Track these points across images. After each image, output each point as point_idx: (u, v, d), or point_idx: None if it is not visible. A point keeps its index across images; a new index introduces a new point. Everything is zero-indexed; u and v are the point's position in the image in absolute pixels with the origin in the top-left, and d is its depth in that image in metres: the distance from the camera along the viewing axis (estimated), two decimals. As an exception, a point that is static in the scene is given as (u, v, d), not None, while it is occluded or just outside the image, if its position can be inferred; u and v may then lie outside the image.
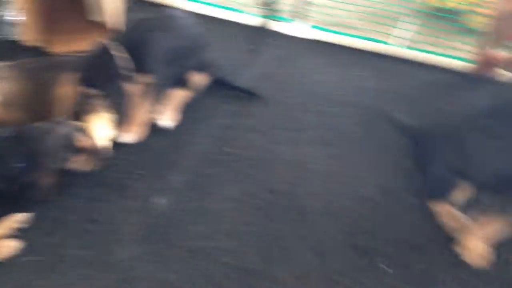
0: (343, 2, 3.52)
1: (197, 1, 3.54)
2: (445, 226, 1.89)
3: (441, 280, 1.73)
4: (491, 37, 2.84)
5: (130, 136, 2.19)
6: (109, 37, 2.12)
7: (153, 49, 2.11)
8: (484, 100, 1.77)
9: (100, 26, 2.64)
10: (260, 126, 2.40)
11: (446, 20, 3.62)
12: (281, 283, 1.67)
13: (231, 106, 2.52)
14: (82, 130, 1.90)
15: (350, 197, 2.04)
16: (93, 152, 1.92)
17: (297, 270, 1.72)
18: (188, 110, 2.40)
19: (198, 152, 2.19)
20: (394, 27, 3.44)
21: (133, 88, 2.19)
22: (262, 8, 3.32)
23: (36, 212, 1.79)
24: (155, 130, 2.26)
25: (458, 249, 1.82)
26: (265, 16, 3.32)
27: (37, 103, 2.05)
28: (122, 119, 2.15)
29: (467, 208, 1.87)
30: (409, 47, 3.23)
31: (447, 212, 1.89)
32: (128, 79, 2.10)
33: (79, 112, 2.00)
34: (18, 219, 1.75)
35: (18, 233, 1.72)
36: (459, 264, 1.79)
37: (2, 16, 2.77)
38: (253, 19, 3.39)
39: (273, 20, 3.34)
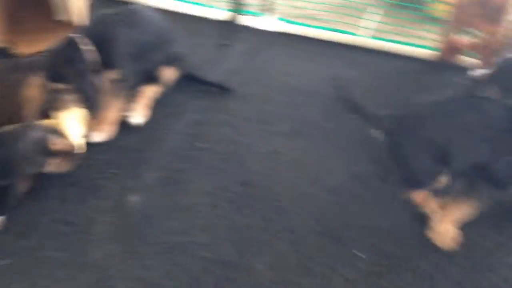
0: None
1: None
2: (419, 212, 1.94)
3: (416, 264, 1.78)
4: (453, 25, 2.93)
5: (101, 136, 2.17)
6: (75, 31, 2.08)
7: (118, 44, 2.09)
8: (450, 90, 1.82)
9: (65, 25, 2.60)
10: (231, 120, 2.42)
11: (410, 9, 3.70)
12: (257, 273, 1.69)
13: (202, 101, 2.52)
14: (56, 132, 1.88)
15: (322, 186, 2.08)
16: (68, 153, 1.90)
17: (272, 260, 1.74)
18: (159, 106, 2.40)
19: (170, 148, 2.19)
20: (361, 18, 3.50)
21: (102, 83, 2.15)
22: (230, 2, 3.32)
23: (10, 215, 1.76)
24: (125, 127, 2.25)
25: (430, 234, 1.88)
26: (233, 10, 3.32)
27: (4, 106, 2.02)
28: (92, 116, 2.10)
29: (437, 193, 1.91)
30: (374, 37, 3.29)
31: (422, 199, 1.93)
32: (97, 72, 2.06)
33: (49, 109, 1.95)
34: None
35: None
36: (432, 248, 1.84)
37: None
38: (221, 14, 3.39)
39: (241, 14, 3.35)
